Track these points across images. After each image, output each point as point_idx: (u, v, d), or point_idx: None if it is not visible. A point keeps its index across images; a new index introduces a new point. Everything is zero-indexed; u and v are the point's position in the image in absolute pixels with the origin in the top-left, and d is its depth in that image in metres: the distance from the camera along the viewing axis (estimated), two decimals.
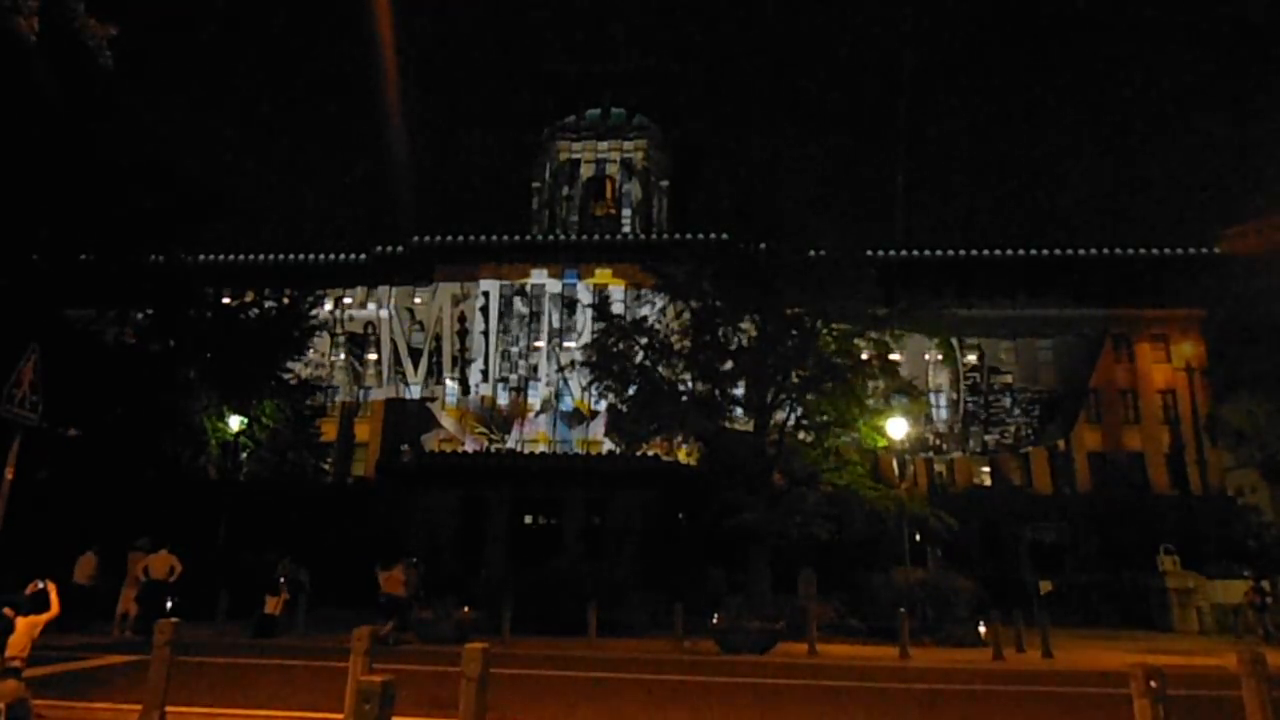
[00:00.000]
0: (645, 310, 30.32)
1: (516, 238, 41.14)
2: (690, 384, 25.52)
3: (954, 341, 38.23)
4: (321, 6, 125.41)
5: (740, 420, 25.65)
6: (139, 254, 24.98)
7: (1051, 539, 36.34)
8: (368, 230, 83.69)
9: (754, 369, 24.58)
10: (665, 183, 46.67)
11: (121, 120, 23.83)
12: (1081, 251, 40.53)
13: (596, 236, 40.91)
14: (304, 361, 33.23)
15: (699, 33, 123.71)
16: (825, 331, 24.22)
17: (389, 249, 41.22)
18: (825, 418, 24.36)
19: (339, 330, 41.05)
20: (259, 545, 23.41)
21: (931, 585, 20.94)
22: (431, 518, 31.50)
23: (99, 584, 18.53)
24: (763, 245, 26.55)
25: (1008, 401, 39.06)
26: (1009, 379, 39.42)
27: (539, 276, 40.13)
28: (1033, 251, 40.73)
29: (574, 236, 41.46)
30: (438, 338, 39.96)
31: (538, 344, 39.44)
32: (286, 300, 31.62)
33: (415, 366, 39.97)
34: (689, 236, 39.13)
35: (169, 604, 17.17)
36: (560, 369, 37.23)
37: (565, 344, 38.38)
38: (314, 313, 34.37)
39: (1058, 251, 40.63)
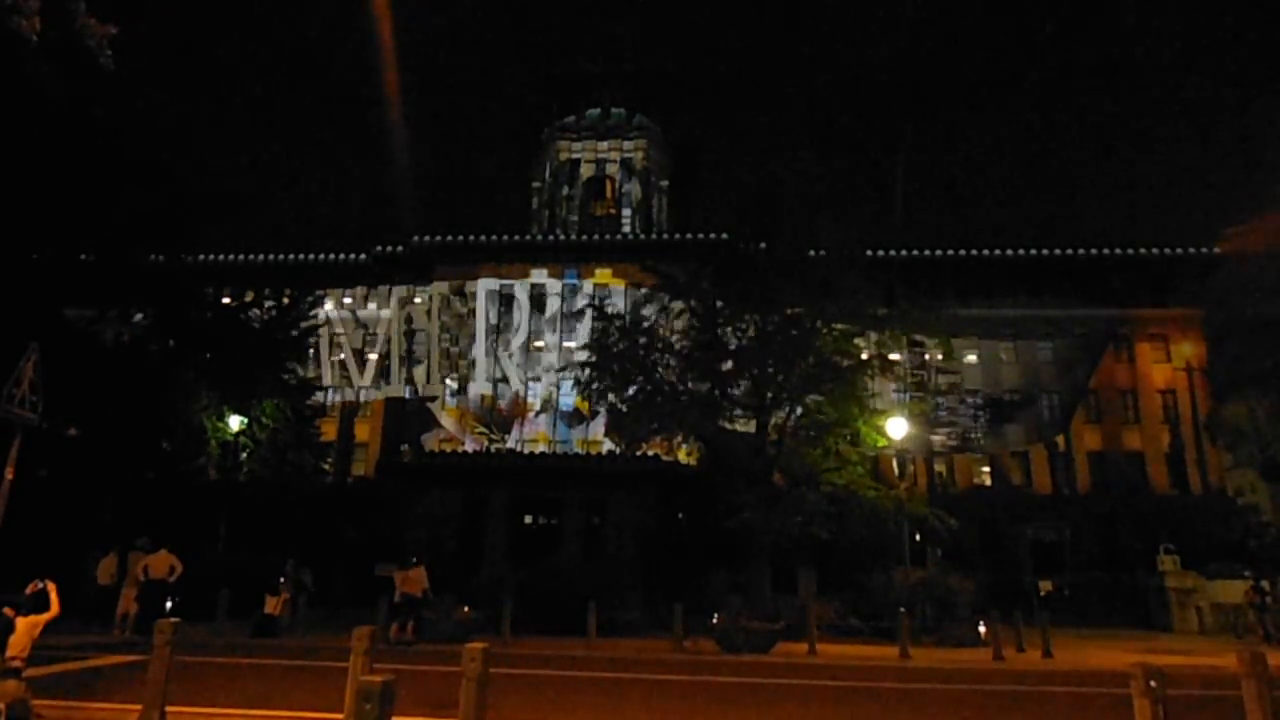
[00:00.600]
0: (645, 310, 30.33)
1: (516, 238, 41.14)
2: (690, 384, 25.53)
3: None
4: (322, 7, 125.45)
5: (740, 420, 25.65)
6: (139, 254, 24.99)
7: (1051, 539, 36.32)
8: (368, 230, 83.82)
9: (754, 369, 24.58)
10: (665, 183, 46.69)
11: (122, 120, 23.88)
12: (1081, 251, 40.52)
13: (596, 236, 40.90)
14: (304, 361, 33.25)
15: (699, 33, 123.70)
16: (825, 331, 24.22)
17: (389, 249, 41.22)
18: (825, 418, 24.36)
19: (339, 330, 41.07)
20: (259, 545, 23.42)
21: (931, 585, 20.96)
22: (431, 518, 31.50)
23: (120, 584, 18.57)
24: (763, 245, 26.55)
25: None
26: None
27: (539, 276, 40.12)
28: (1033, 251, 40.73)
29: (574, 236, 41.45)
30: (437, 337, 39.96)
31: (538, 344, 39.44)
32: (286, 300, 31.61)
33: (414, 366, 39.98)
34: (689, 236, 39.14)
35: (169, 604, 17.17)
36: (560, 369, 37.24)
37: (565, 344, 38.38)
38: (314, 313, 34.38)
39: (1058, 251, 40.62)
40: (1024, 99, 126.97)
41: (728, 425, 25.56)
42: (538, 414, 38.23)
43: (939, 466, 38.63)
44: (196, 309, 27.98)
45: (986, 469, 39.09)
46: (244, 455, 29.40)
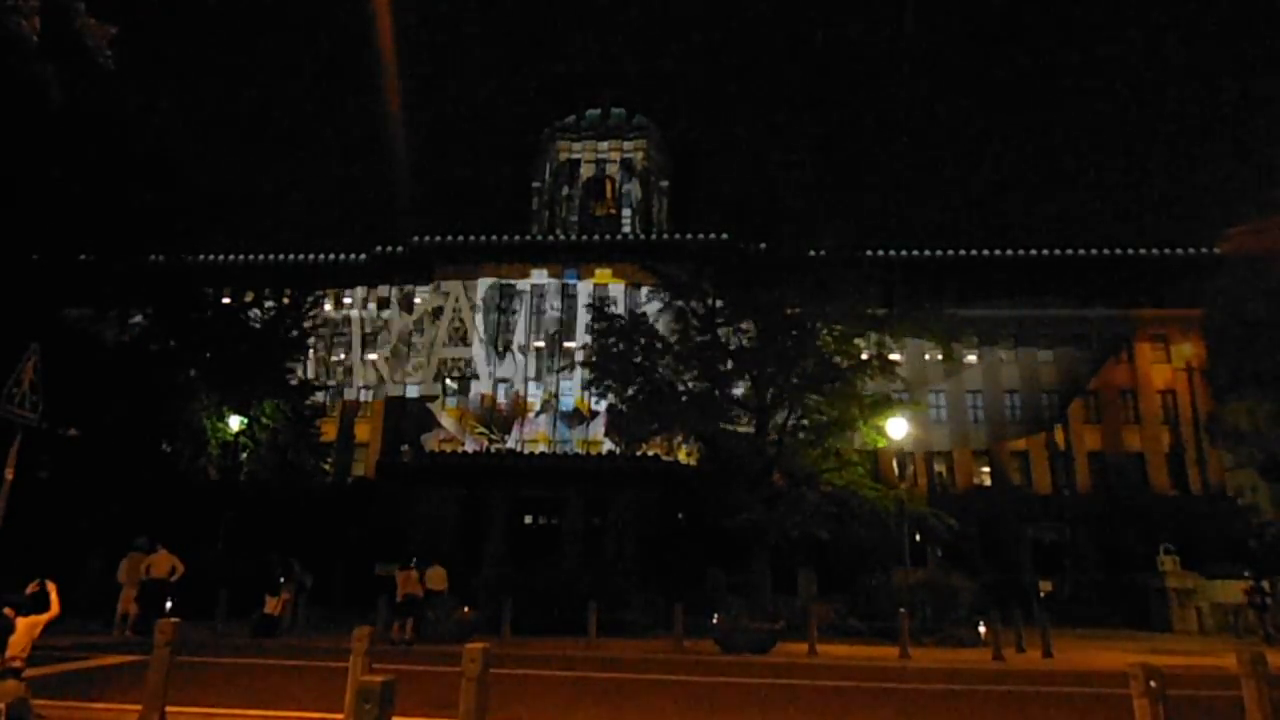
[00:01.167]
0: (645, 310, 30.33)
1: (517, 238, 41.16)
2: (690, 384, 25.53)
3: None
4: (322, 6, 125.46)
5: (740, 420, 25.67)
6: (140, 254, 24.99)
7: (1051, 539, 36.33)
8: (368, 230, 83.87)
9: (754, 369, 24.58)
10: (665, 183, 46.71)
11: (122, 120, 23.84)
12: (1082, 251, 40.55)
13: (596, 236, 40.91)
14: (304, 361, 33.26)
15: (698, 33, 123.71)
16: (825, 331, 24.22)
17: (389, 249, 41.23)
18: (825, 418, 24.36)
19: (339, 330, 41.08)
20: (259, 545, 23.41)
21: (931, 585, 20.94)
22: (431, 518, 31.52)
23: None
24: (763, 245, 26.55)
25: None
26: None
27: (539, 276, 40.13)
28: (1033, 251, 40.75)
29: (574, 236, 41.46)
30: (437, 337, 39.95)
31: (538, 344, 39.43)
32: (286, 300, 31.60)
33: (414, 367, 39.98)
34: (689, 236, 39.15)
35: (169, 604, 17.17)
36: (560, 369, 37.24)
37: (565, 344, 38.38)
38: (314, 313, 34.37)
39: (1058, 251, 40.65)
40: (1024, 98, 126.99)
41: (728, 425, 25.59)
42: (538, 414, 38.24)
43: (939, 466, 38.64)
44: (196, 309, 27.99)
45: (986, 469, 39.10)
46: (244, 455, 29.39)
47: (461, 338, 39.84)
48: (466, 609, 19.01)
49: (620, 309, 34.36)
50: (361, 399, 40.56)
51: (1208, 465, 37.20)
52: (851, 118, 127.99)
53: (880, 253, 37.11)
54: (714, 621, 17.98)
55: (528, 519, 33.08)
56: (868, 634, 20.23)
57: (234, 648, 15.21)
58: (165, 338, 26.93)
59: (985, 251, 40.82)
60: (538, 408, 38.45)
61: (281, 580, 18.87)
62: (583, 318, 38.06)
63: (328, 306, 40.00)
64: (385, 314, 41.29)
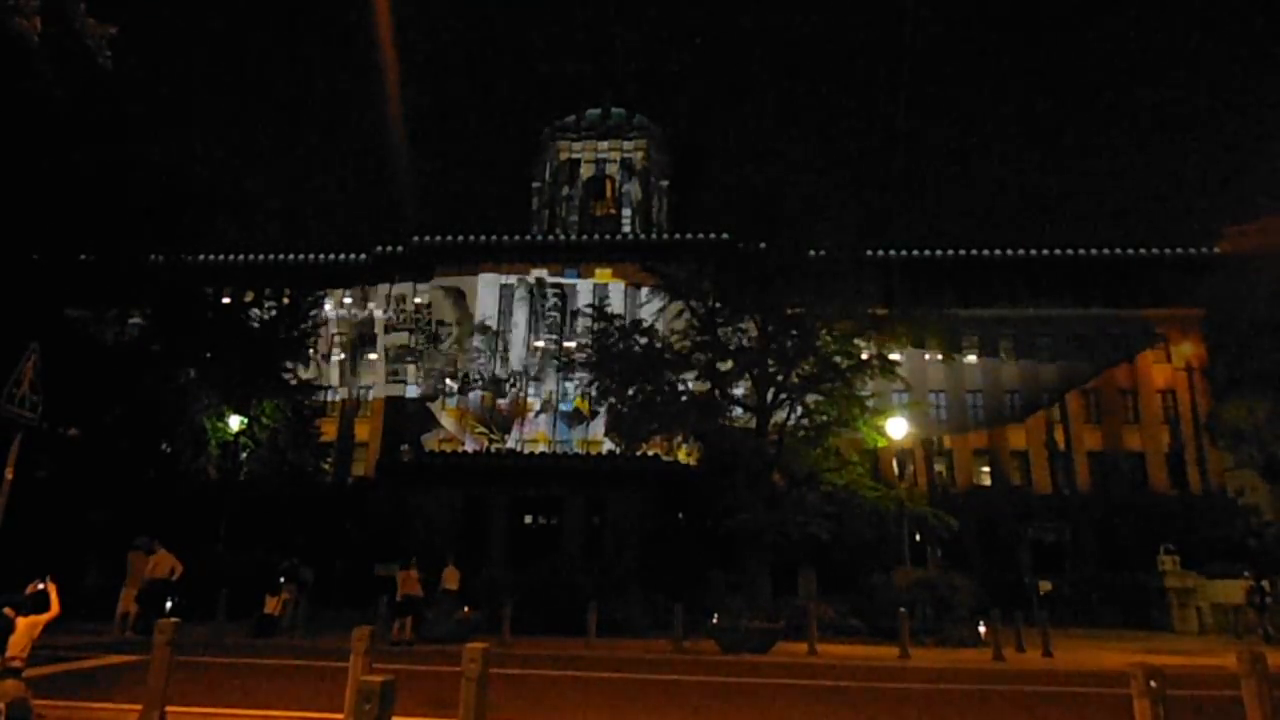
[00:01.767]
0: (645, 310, 30.32)
1: (517, 237, 41.17)
2: (690, 384, 25.51)
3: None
4: (322, 6, 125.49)
5: (740, 420, 25.65)
6: (140, 253, 24.96)
7: (1051, 539, 36.33)
8: (368, 230, 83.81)
9: (754, 369, 24.57)
10: (665, 183, 46.72)
11: (122, 119, 23.80)
12: (1082, 251, 40.55)
13: (596, 236, 40.92)
14: (304, 361, 33.24)
15: (699, 33, 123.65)
16: (825, 331, 24.22)
17: (389, 249, 41.23)
18: (825, 418, 24.35)
19: (339, 330, 41.07)
20: (259, 545, 23.41)
21: (931, 585, 20.94)
22: (431, 518, 31.50)
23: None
24: (763, 245, 26.54)
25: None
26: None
27: (539, 276, 40.12)
28: (1033, 251, 40.74)
29: (574, 236, 41.47)
30: (438, 338, 39.95)
31: (538, 344, 39.44)
32: (286, 300, 31.59)
33: (414, 366, 39.97)
34: (689, 236, 39.15)
35: (169, 604, 17.16)
36: (560, 369, 37.24)
37: (565, 344, 38.39)
38: (314, 313, 34.36)
39: (1058, 251, 40.65)
40: (1025, 98, 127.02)
41: (728, 425, 25.57)
42: (538, 414, 38.24)
43: (939, 466, 38.62)
44: (196, 309, 27.96)
45: (986, 469, 39.10)
46: (244, 455, 29.38)
47: (461, 337, 39.83)
48: (466, 609, 19.00)
49: (620, 309, 34.36)
50: (361, 399, 40.55)
51: (1207, 465, 37.20)
52: (852, 117, 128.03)
53: (880, 253, 37.09)
54: (714, 621, 17.98)
55: (528, 519, 33.07)
56: (868, 634, 20.23)
57: (234, 648, 15.21)
58: (165, 338, 26.90)
59: (985, 251, 40.81)
60: (538, 408, 38.45)
61: (282, 580, 18.88)
62: (583, 318, 38.10)
63: (328, 306, 39.98)
64: (386, 314, 41.28)
